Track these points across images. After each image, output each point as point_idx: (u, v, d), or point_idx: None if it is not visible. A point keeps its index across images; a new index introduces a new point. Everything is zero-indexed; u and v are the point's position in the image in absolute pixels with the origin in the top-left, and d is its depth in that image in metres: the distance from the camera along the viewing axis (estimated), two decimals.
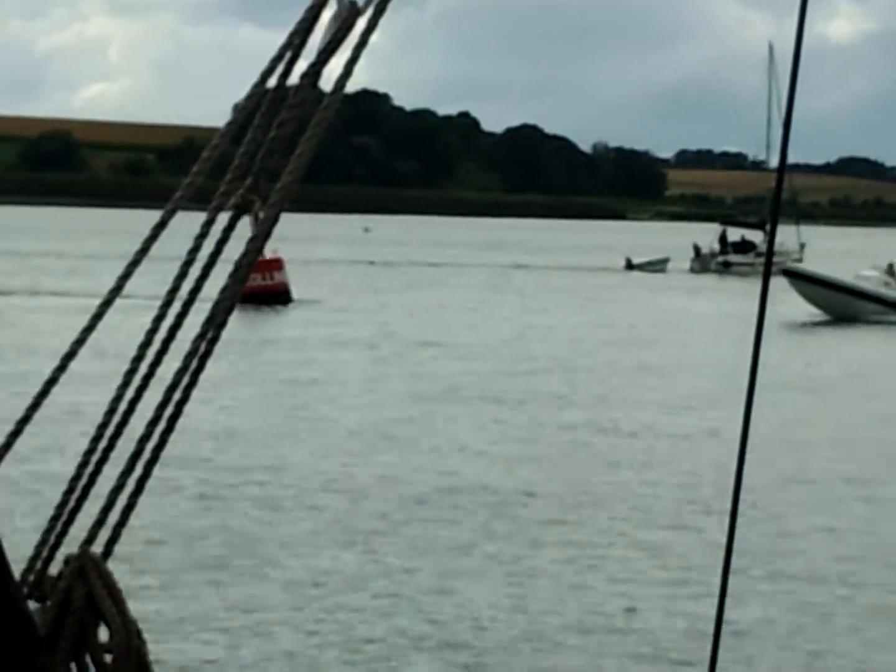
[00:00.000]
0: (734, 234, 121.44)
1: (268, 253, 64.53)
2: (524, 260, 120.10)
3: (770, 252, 7.30)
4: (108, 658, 4.00)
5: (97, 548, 4.16)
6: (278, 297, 65.83)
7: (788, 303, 67.01)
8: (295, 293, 67.29)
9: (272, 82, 4.50)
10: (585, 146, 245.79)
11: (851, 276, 76.74)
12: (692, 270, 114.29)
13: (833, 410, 47.15)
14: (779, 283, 74.64)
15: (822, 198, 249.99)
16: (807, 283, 73.57)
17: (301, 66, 4.55)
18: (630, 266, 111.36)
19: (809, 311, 72.53)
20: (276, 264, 69.82)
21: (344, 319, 68.50)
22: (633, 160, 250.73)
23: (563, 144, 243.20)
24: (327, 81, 4.47)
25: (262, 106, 4.54)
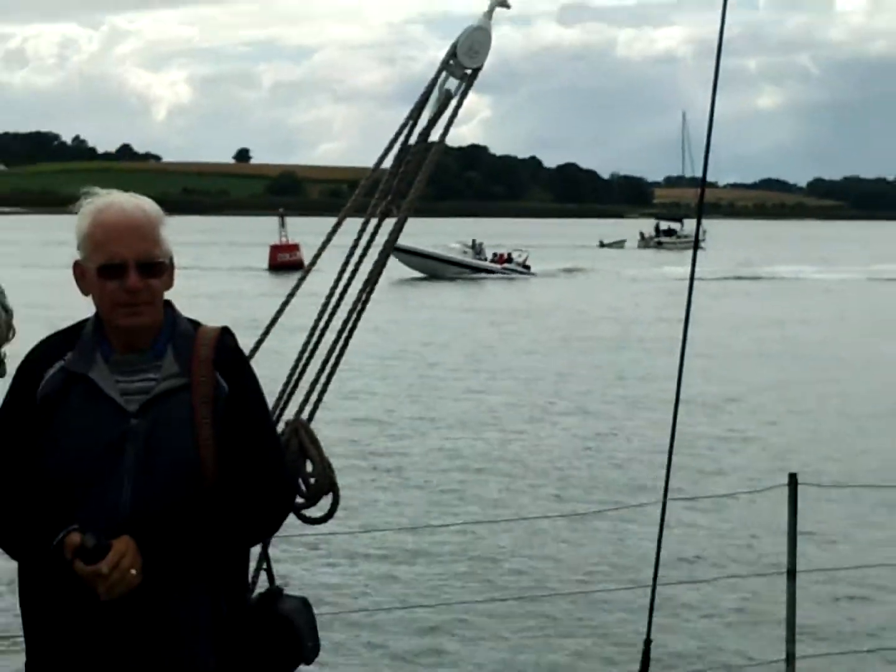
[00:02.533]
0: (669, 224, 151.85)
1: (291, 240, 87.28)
2: (556, 241, 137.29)
3: (697, 238, 8.77)
4: (311, 480, 5.37)
5: (304, 415, 5.70)
6: (298, 266, 74.47)
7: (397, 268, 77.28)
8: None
9: (401, 139, 6.54)
10: (605, 175, 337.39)
11: (441, 247, 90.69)
12: (639, 247, 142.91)
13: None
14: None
15: (749, 202, 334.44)
16: (405, 254, 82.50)
17: (419, 128, 6.63)
18: (601, 245, 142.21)
19: (410, 273, 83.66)
20: (296, 247, 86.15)
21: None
22: (634, 183, 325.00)
23: (591, 175, 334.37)
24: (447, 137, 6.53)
25: (396, 153, 6.55)
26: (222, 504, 4.42)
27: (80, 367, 4.38)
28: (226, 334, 4.51)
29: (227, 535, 4.46)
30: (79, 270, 4.41)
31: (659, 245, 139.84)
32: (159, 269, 4.37)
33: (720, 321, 50.69)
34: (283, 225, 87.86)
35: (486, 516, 19.05)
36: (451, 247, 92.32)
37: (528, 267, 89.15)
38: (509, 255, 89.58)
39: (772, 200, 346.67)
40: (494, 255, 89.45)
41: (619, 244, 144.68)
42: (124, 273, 4.29)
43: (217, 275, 78.69)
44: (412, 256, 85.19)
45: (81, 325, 4.47)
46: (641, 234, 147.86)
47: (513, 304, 64.25)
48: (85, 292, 4.42)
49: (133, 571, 4.18)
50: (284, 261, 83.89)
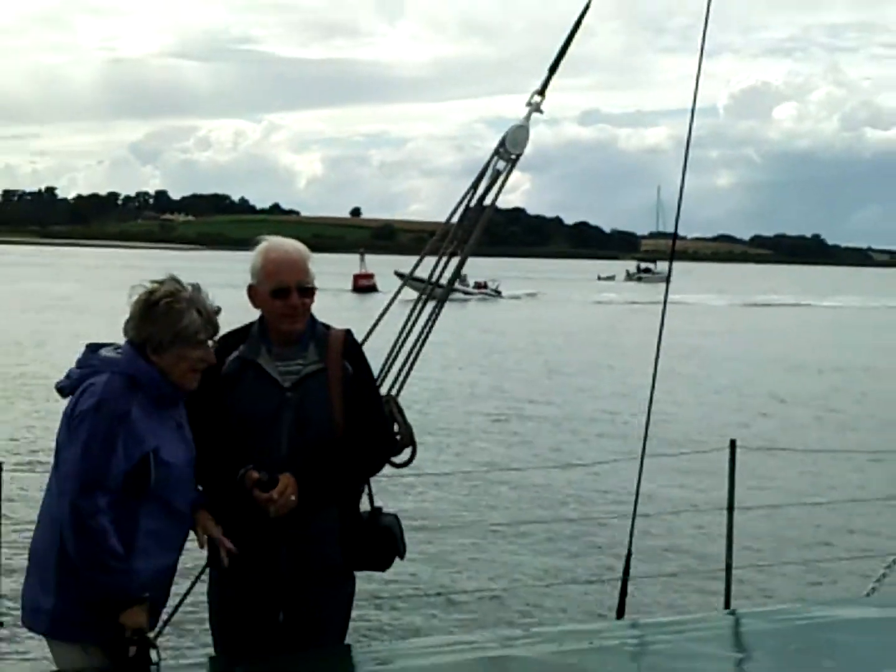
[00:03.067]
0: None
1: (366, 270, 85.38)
2: (570, 276, 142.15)
3: (669, 275, 8.36)
4: (398, 437, 5.18)
5: (393, 391, 5.66)
6: (373, 289, 77.72)
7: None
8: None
9: (465, 203, 6.60)
10: (607, 229, 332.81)
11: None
12: (625, 280, 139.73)
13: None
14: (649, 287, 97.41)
15: (708, 251, 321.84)
16: (413, 280, 79.11)
17: (478, 195, 6.67)
18: (599, 278, 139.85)
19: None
20: (371, 276, 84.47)
21: None
22: (626, 235, 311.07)
23: (597, 229, 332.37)
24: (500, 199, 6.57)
25: (461, 212, 6.60)
26: (347, 450, 4.65)
27: (251, 355, 4.66)
28: (349, 334, 4.81)
29: (348, 471, 4.72)
30: (252, 291, 4.69)
31: (639, 279, 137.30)
32: (310, 291, 4.66)
33: (644, 331, 49.65)
34: (362, 260, 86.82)
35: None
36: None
37: (499, 292, 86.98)
38: (485, 283, 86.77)
39: (724, 249, 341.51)
40: (476, 283, 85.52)
41: (611, 278, 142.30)
42: (288, 295, 4.57)
43: (319, 294, 77.69)
44: (417, 282, 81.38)
45: (249, 326, 4.72)
46: (627, 272, 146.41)
47: (484, 317, 62.15)
48: (255, 306, 4.69)
49: (293, 498, 4.46)
50: (362, 285, 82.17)
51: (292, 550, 4.56)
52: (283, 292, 4.58)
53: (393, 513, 4.85)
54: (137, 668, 4.11)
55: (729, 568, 8.30)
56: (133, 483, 4.18)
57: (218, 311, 4.41)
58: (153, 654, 4.14)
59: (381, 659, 4.78)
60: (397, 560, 4.90)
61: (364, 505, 4.95)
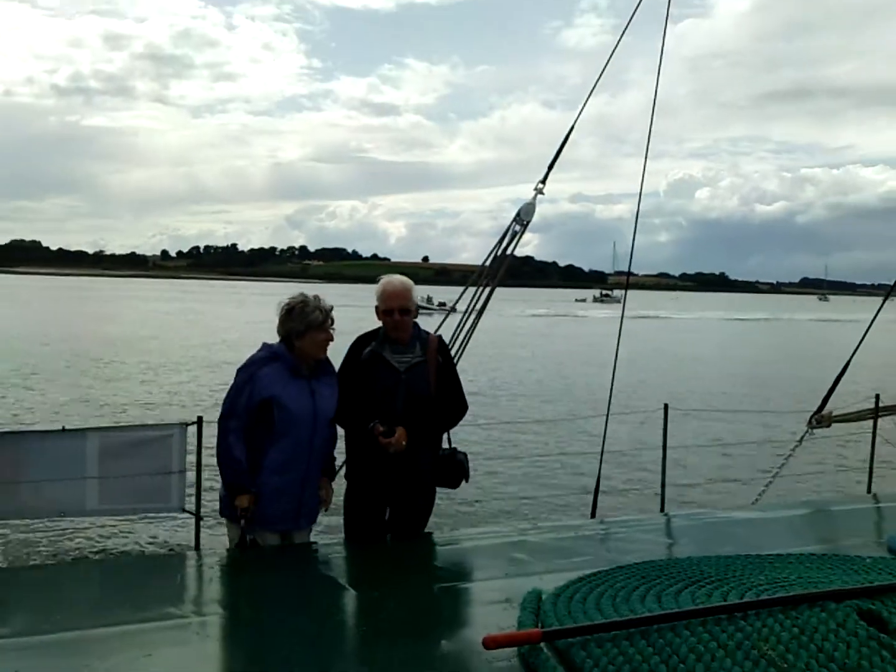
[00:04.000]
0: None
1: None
2: (559, 299, 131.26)
3: (624, 299, 7.86)
4: None
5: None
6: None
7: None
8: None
9: (495, 252, 6.60)
10: (587, 269, 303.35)
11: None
12: (593, 301, 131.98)
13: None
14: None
15: (651, 282, 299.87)
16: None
17: (502, 247, 6.64)
18: (576, 300, 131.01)
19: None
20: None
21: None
22: (599, 273, 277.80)
23: (580, 269, 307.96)
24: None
25: (492, 258, 6.60)
26: (438, 411, 4.67)
27: (378, 350, 4.67)
28: (440, 338, 4.92)
29: (438, 424, 4.73)
30: (378, 311, 4.71)
31: (602, 301, 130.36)
32: (409, 312, 4.66)
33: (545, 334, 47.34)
34: None
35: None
36: (419, 297, 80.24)
37: (455, 309, 78.57)
38: (443, 302, 78.55)
39: (662, 282, 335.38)
40: (439, 302, 79.63)
41: (583, 300, 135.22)
42: (392, 314, 4.63)
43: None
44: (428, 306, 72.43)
45: (377, 330, 4.75)
46: (594, 296, 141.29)
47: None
48: (380, 320, 4.73)
49: (404, 442, 4.50)
50: None
51: (400, 472, 4.56)
52: (389, 312, 4.64)
53: (464, 452, 4.85)
54: (243, 537, 4.29)
55: (663, 485, 8.22)
56: (260, 418, 4.28)
57: (331, 308, 4.52)
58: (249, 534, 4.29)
59: (447, 541, 4.83)
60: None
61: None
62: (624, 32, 6.71)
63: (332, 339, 4.45)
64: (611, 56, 6.72)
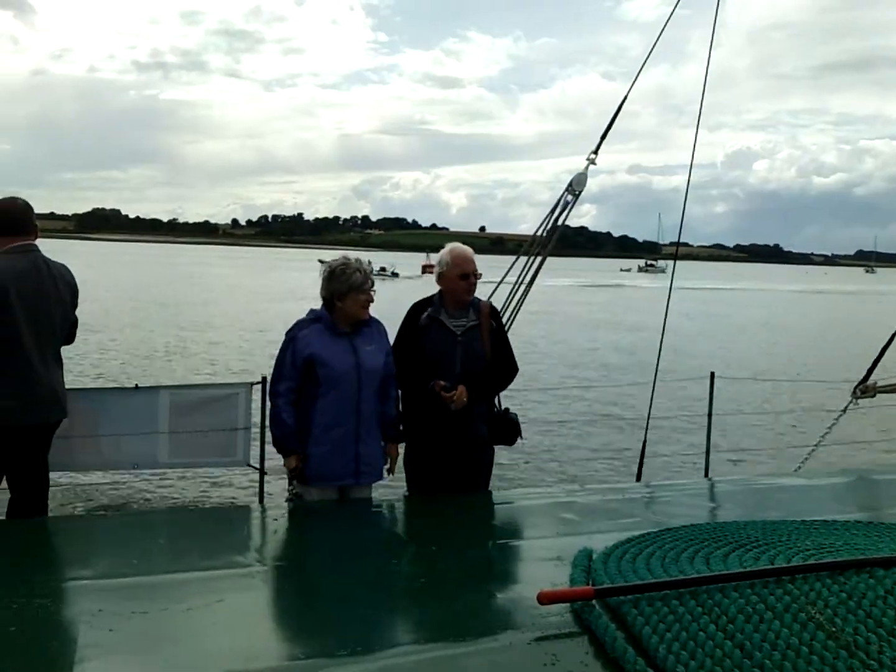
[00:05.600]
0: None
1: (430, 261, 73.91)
2: (610, 267, 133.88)
3: (673, 269, 7.33)
4: None
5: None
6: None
7: None
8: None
9: (547, 222, 6.51)
10: (640, 240, 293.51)
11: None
12: (638, 271, 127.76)
13: None
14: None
15: (706, 254, 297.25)
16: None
17: (553, 217, 6.54)
18: (621, 270, 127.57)
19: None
20: (433, 266, 72.89)
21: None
22: (652, 244, 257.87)
23: (634, 240, 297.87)
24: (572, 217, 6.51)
25: (545, 228, 6.52)
26: (491, 372, 4.73)
27: (435, 314, 4.72)
28: (492, 305, 4.94)
29: (493, 384, 4.80)
30: (442, 275, 4.76)
31: (647, 271, 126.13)
32: (477, 276, 4.73)
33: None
34: (428, 255, 76.04)
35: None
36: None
37: (396, 274, 72.03)
38: (384, 267, 72.32)
39: (716, 253, 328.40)
40: (381, 268, 71.07)
41: (627, 269, 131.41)
42: (468, 277, 4.69)
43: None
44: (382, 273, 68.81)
45: (432, 297, 4.79)
46: (638, 266, 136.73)
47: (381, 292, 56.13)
48: (442, 285, 4.77)
49: (464, 398, 4.58)
50: (428, 271, 66.55)
51: (460, 430, 4.63)
52: (465, 276, 4.67)
53: (515, 412, 4.90)
54: (293, 493, 4.37)
55: (708, 451, 8.14)
56: (307, 378, 4.32)
57: (371, 270, 4.55)
58: (297, 489, 4.36)
59: (500, 500, 4.82)
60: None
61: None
62: (677, 4, 6.54)
63: (372, 300, 4.47)
64: (664, 28, 6.56)
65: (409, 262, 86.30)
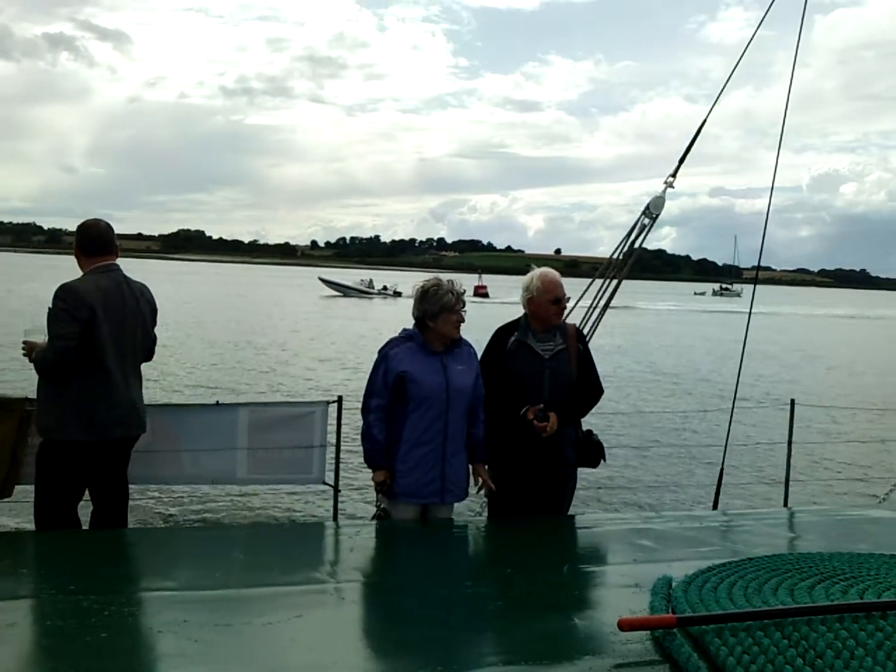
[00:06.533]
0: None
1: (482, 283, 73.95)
2: (686, 291, 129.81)
3: (753, 293, 7.11)
4: None
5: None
6: (485, 295, 66.81)
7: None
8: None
9: (623, 245, 6.46)
10: (720, 263, 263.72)
11: (350, 281, 71.16)
12: (713, 295, 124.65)
13: None
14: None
15: (789, 278, 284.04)
16: (330, 285, 67.28)
17: (630, 240, 6.48)
18: (694, 293, 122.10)
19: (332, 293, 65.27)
20: (485, 286, 72.92)
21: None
22: (733, 268, 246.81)
23: (714, 263, 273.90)
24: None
25: (621, 251, 6.47)
26: (578, 396, 4.72)
27: (523, 338, 4.71)
28: (578, 328, 5.00)
29: (579, 407, 4.75)
30: (531, 300, 4.72)
31: (721, 295, 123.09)
32: (566, 300, 4.79)
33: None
34: (480, 276, 78.67)
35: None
36: (357, 280, 73.37)
37: (399, 293, 68.30)
38: (386, 286, 70.63)
39: (799, 278, 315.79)
40: (383, 286, 70.56)
41: (701, 293, 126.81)
42: (559, 302, 4.70)
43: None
44: (334, 286, 68.60)
45: (518, 320, 4.80)
46: (713, 290, 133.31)
47: (379, 310, 52.52)
48: (530, 310, 4.74)
49: (555, 424, 4.55)
50: (480, 292, 67.45)
51: (549, 455, 4.62)
52: (557, 301, 4.68)
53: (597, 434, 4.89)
54: (380, 510, 4.43)
55: (787, 480, 7.91)
56: (398, 395, 4.36)
57: (463, 292, 4.56)
58: (383, 504, 4.41)
59: (577, 524, 4.81)
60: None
61: None
62: (760, 25, 6.45)
63: (463, 320, 4.50)
64: (745, 49, 6.46)
65: (469, 284, 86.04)
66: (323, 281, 70.92)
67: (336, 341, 30.70)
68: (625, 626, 2.57)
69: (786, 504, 7.73)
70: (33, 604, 3.02)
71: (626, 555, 4.00)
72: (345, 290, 69.58)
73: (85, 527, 4.50)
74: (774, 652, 2.41)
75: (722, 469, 6.80)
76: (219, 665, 2.55)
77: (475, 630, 2.94)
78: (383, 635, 2.89)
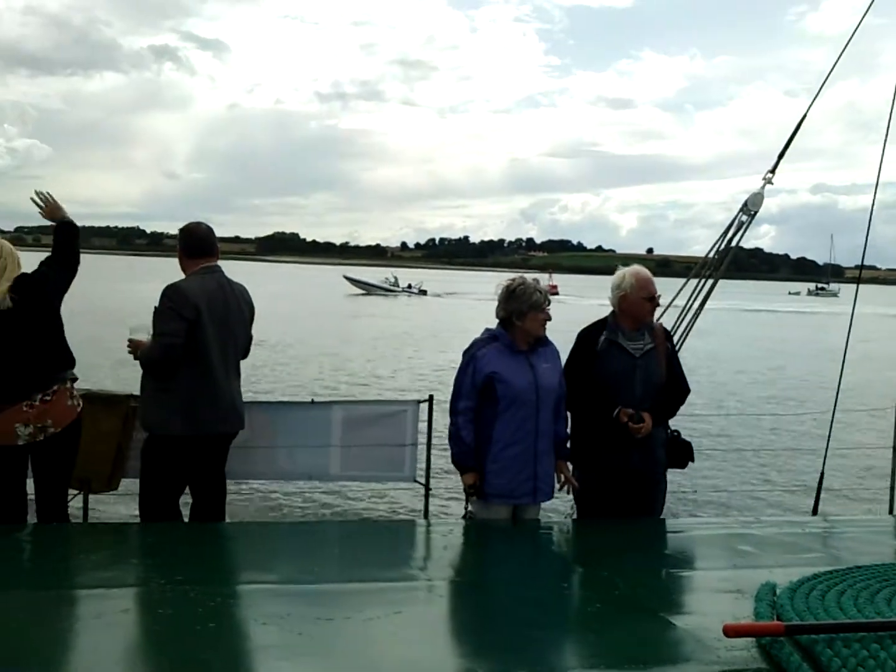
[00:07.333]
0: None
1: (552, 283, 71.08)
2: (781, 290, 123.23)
3: (856, 294, 6.67)
4: None
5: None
6: (556, 293, 64.56)
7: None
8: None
9: (720, 244, 6.28)
10: (821, 262, 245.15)
11: (375, 279, 69.78)
12: (808, 294, 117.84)
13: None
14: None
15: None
16: (355, 283, 66.29)
17: (727, 237, 6.30)
18: (789, 293, 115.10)
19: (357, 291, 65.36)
20: (556, 286, 66.58)
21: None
22: (835, 267, 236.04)
23: (814, 263, 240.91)
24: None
25: (717, 249, 6.29)
26: (667, 395, 4.65)
27: (613, 337, 4.64)
28: (665, 328, 4.88)
29: (670, 406, 4.70)
30: (624, 298, 4.66)
31: (817, 295, 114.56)
32: (658, 298, 4.72)
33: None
34: (550, 275, 72.67)
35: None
36: (382, 279, 72.15)
37: (424, 291, 68.36)
38: (411, 284, 70.05)
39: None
40: (408, 284, 69.93)
41: (796, 293, 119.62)
42: (653, 299, 4.65)
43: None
44: (359, 284, 67.85)
45: (603, 320, 4.73)
46: (808, 290, 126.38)
47: (407, 308, 52.21)
48: (622, 308, 4.67)
49: (649, 426, 4.49)
50: (550, 292, 67.82)
51: (642, 456, 4.56)
52: (651, 298, 4.63)
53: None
54: (468, 511, 4.39)
55: (892, 487, 7.56)
56: (487, 396, 4.31)
57: (548, 290, 4.54)
58: (474, 505, 4.36)
59: (673, 527, 4.76)
60: None
61: None
62: (866, 13, 6.19)
63: (549, 319, 4.46)
64: (850, 39, 6.19)
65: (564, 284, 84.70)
66: (348, 279, 70.69)
67: (411, 341, 30.78)
68: (730, 632, 2.50)
69: (891, 511, 7.41)
70: (144, 592, 3.09)
71: (724, 560, 3.91)
72: (369, 288, 69.22)
73: (185, 520, 4.61)
74: (892, 666, 2.30)
75: (822, 474, 6.56)
76: (323, 658, 2.58)
77: (571, 632, 2.91)
78: (481, 634, 2.88)
